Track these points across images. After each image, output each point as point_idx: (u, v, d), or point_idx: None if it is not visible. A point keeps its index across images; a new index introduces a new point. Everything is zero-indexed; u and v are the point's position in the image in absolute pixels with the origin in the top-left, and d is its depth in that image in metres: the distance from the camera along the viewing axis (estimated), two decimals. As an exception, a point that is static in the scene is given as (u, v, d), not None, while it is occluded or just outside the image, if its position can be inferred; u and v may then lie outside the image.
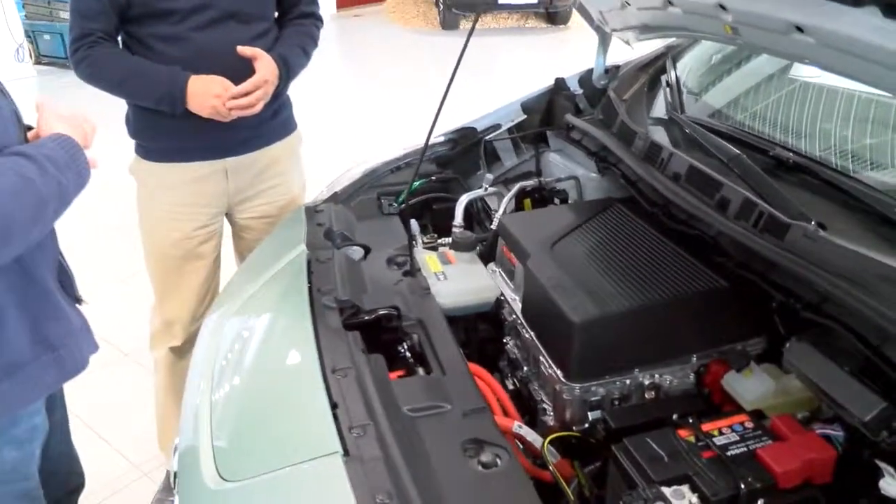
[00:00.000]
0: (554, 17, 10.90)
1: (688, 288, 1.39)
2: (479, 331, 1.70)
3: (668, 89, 2.02)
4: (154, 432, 2.45)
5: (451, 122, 2.13)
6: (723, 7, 1.40)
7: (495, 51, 9.51)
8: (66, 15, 10.12)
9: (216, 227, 2.19)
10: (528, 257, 1.53)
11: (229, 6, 1.97)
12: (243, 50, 1.93)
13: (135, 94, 1.99)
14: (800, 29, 1.21)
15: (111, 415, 2.83)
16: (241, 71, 1.95)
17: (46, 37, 10.60)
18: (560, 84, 2.25)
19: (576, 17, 10.96)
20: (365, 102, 7.94)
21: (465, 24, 11.27)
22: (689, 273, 1.43)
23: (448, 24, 11.19)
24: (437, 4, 11.82)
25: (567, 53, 9.22)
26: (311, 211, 1.89)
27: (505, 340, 1.66)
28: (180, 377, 2.27)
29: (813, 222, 1.29)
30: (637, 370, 1.38)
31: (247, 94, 1.94)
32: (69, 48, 1.98)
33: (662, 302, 1.38)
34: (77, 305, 1.41)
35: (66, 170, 1.17)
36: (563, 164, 2.08)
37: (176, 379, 2.29)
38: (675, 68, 2.11)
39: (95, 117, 1.43)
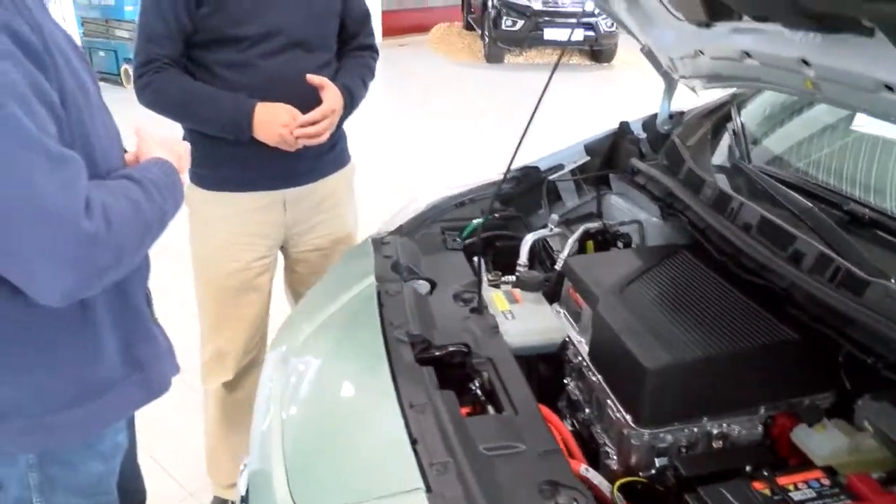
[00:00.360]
0: (598, 55, 10.99)
1: (758, 339, 1.40)
2: (540, 371, 1.71)
3: (733, 137, 2.03)
4: (201, 453, 2.48)
5: (501, 157, 2.15)
6: (806, 62, 1.42)
7: (539, 86, 9.55)
8: (121, 33, 10.47)
9: (272, 259, 2.21)
10: (598, 301, 1.54)
11: (297, 35, 2.00)
12: (312, 78, 1.96)
13: (200, 120, 2.00)
14: (890, 88, 1.22)
15: (159, 434, 2.87)
16: (305, 99, 1.98)
17: (101, 53, 10.98)
18: (624, 128, 2.28)
19: (620, 55, 11.03)
20: (411, 133, 8.01)
21: (510, 59, 11.36)
22: (759, 324, 1.43)
23: (493, 57, 11.30)
24: (482, 37, 11.97)
25: (611, 92, 9.25)
26: (378, 243, 1.92)
27: (566, 381, 1.67)
28: (231, 410, 2.29)
29: (893, 280, 1.29)
30: (706, 419, 1.38)
31: (314, 122, 1.98)
32: (133, 73, 2.00)
33: (733, 352, 1.38)
34: None
35: (167, 194, 1.21)
36: (625, 208, 2.09)
37: (227, 412, 2.31)
38: (740, 116, 2.12)
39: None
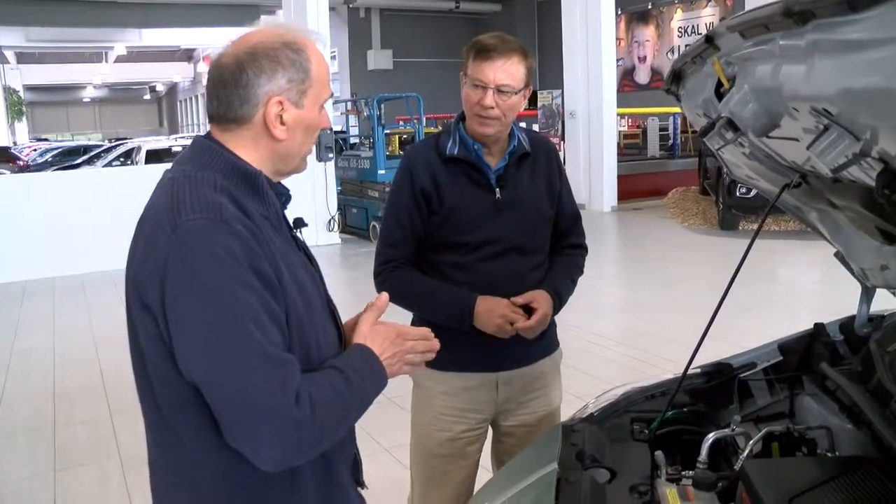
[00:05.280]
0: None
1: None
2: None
3: (936, 348, 2.01)
4: None
5: (717, 340, 2.25)
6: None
7: (773, 256, 9.34)
8: (372, 193, 11.78)
9: (482, 432, 2.46)
10: (765, 509, 1.60)
11: (512, 241, 2.32)
12: (517, 299, 2.25)
13: (428, 312, 2.35)
14: None
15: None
16: (519, 295, 2.27)
17: (354, 210, 12.29)
18: (819, 329, 2.31)
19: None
20: (638, 300, 8.09)
21: (745, 226, 11.21)
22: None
23: (727, 224, 11.21)
24: (716, 204, 11.93)
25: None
26: (568, 430, 2.09)
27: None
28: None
29: None
30: None
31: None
32: (374, 270, 2.40)
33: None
34: (360, 490, 1.72)
35: (367, 379, 1.47)
36: (817, 411, 2.10)
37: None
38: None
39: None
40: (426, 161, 2.35)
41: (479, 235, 2.31)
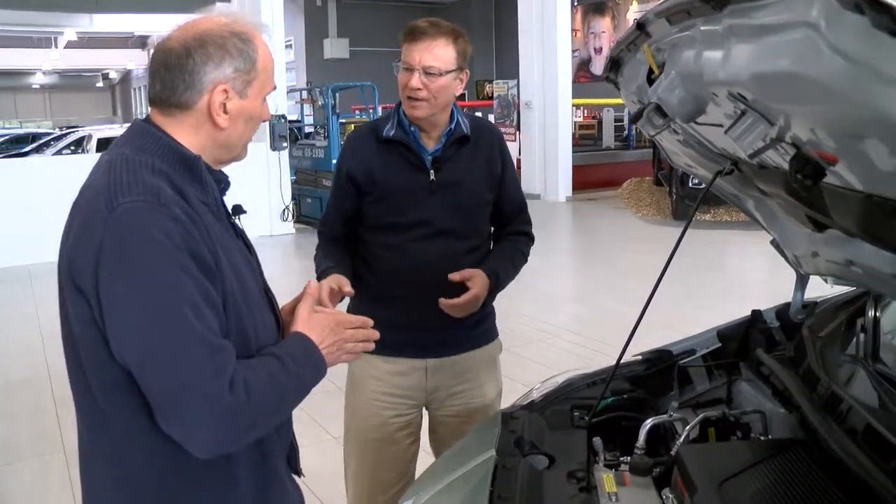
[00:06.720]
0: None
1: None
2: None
3: (862, 334, 2.05)
4: None
5: (666, 328, 2.27)
6: (896, 280, 1.49)
7: (724, 246, 9.50)
8: (327, 183, 11.71)
9: (413, 418, 2.46)
10: (696, 492, 1.62)
11: (445, 223, 2.33)
12: (453, 276, 2.23)
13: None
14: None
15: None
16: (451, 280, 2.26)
17: (309, 200, 12.18)
18: (756, 316, 2.35)
19: (815, 213, 10.72)
20: (591, 290, 8.16)
21: (698, 216, 11.35)
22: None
23: (680, 214, 11.35)
24: (670, 194, 12.07)
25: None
26: (508, 417, 2.10)
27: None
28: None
29: None
30: None
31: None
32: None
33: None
34: (296, 477, 1.71)
35: (304, 367, 1.47)
36: (753, 396, 2.14)
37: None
38: (876, 310, 2.14)
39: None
40: (361, 143, 2.39)
41: (411, 216, 2.32)
